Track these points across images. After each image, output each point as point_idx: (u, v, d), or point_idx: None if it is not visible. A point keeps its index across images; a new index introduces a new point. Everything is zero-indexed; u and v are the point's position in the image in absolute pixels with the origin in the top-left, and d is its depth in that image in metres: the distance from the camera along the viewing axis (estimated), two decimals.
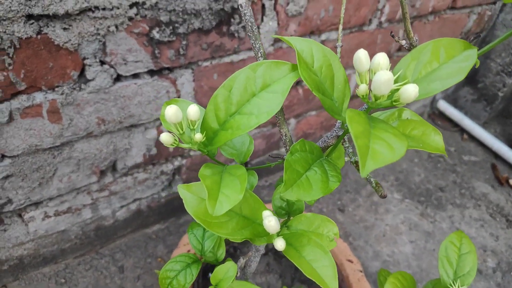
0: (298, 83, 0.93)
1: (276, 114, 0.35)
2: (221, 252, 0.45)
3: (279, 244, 0.29)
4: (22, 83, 0.56)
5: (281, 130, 0.36)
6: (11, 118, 0.58)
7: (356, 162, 0.35)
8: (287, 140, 0.36)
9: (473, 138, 1.44)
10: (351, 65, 0.99)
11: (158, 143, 0.79)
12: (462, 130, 1.47)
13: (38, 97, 0.59)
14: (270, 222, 0.28)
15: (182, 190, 0.30)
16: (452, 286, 0.47)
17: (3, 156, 0.62)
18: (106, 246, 0.91)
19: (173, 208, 0.96)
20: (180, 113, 0.29)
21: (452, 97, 1.51)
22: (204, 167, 0.30)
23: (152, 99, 0.71)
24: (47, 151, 0.65)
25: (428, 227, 1.10)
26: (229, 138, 0.28)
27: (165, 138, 0.30)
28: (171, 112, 0.28)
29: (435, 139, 0.27)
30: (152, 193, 0.89)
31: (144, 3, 0.58)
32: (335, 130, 0.36)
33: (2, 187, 0.65)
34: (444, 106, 1.50)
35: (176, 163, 0.86)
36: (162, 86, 0.70)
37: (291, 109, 0.97)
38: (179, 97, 0.74)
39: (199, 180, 0.88)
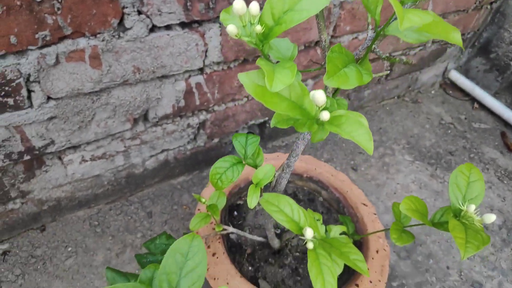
0: (316, 43, 0.97)
1: (317, 19, 0.40)
2: (260, 159, 0.51)
3: (325, 115, 0.34)
4: (68, 28, 0.61)
5: (321, 36, 0.41)
6: (57, 61, 0.63)
7: (388, 57, 0.40)
8: (326, 45, 0.41)
9: (483, 107, 1.47)
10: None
11: (186, 96, 0.84)
12: (473, 100, 1.50)
13: (82, 42, 0.64)
14: (319, 94, 0.32)
15: (242, 76, 0.34)
16: (461, 207, 0.52)
17: (49, 98, 0.68)
18: (135, 194, 0.97)
19: (197, 161, 1.02)
20: (245, 7, 0.33)
21: (464, 67, 1.54)
22: (259, 59, 0.34)
23: (183, 51, 0.75)
24: (87, 95, 0.71)
25: (438, 187, 1.15)
26: (283, 29, 0.32)
27: (231, 29, 0.33)
28: (240, 4, 0.32)
29: (454, 36, 0.32)
30: (179, 145, 0.95)
31: None
32: (366, 43, 0.41)
33: (47, 128, 0.71)
34: (455, 76, 1.53)
35: (202, 117, 0.92)
36: (191, 39, 0.75)
37: (308, 68, 1.01)
38: (206, 50, 0.79)
39: (222, 136, 0.93)
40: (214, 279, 0.62)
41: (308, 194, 0.84)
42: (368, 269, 0.67)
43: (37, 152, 0.73)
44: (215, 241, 0.67)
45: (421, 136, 1.31)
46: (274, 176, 0.51)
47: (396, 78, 1.34)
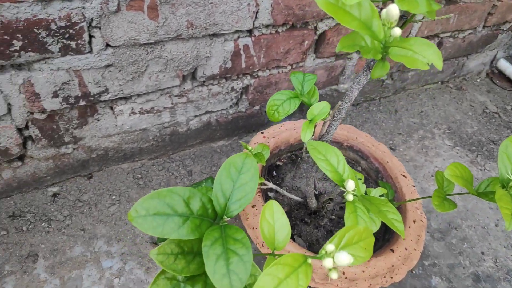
0: None
1: None
2: (315, 98, 0.52)
3: (397, 31, 0.35)
4: None
5: None
6: (118, 8, 0.67)
7: None
8: None
9: None
10: None
11: (234, 57, 0.86)
12: None
13: None
14: (394, 7, 0.33)
15: None
16: (510, 177, 0.51)
17: (107, 46, 0.71)
18: (177, 153, 1.01)
19: (237, 127, 1.04)
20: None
21: None
22: None
23: (235, 10, 0.77)
24: (142, 46, 0.74)
25: (477, 173, 1.12)
26: None
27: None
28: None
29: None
30: (222, 108, 0.97)
31: None
32: None
33: (103, 75, 0.75)
34: (504, 65, 1.47)
35: (246, 81, 0.94)
36: None
37: None
38: (257, 11, 0.80)
39: (263, 104, 0.94)
40: (253, 228, 0.64)
41: (348, 162, 0.84)
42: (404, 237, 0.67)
43: (92, 98, 0.78)
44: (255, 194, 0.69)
45: (463, 122, 1.28)
46: (327, 115, 0.52)
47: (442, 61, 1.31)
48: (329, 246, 0.32)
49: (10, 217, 0.84)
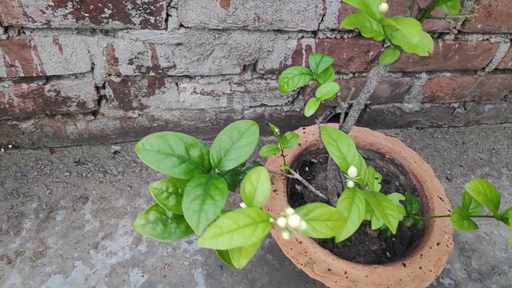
0: (440, 35, 0.93)
1: None
2: (330, 80, 0.54)
3: (383, 6, 0.36)
4: None
5: None
6: None
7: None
8: None
9: None
10: (502, 29, 0.94)
11: (295, 55, 0.90)
12: None
13: None
14: None
15: None
16: None
17: (181, 26, 0.80)
18: None
19: (289, 125, 1.07)
20: None
21: None
22: None
23: (302, 9, 0.81)
24: (211, 31, 0.81)
25: None
26: None
27: None
28: None
29: None
30: (277, 104, 1.01)
31: None
32: None
33: (173, 52, 0.84)
34: None
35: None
36: (313, 0, 0.80)
37: (425, 61, 0.98)
38: (324, 14, 0.83)
39: (318, 107, 0.95)
40: (269, 210, 0.67)
41: (385, 175, 0.83)
42: (422, 256, 0.65)
43: (161, 71, 0.87)
44: (279, 180, 0.71)
45: None
46: (341, 106, 0.53)
47: None
48: (289, 210, 0.34)
49: (76, 163, 0.97)
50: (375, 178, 0.55)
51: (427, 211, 0.73)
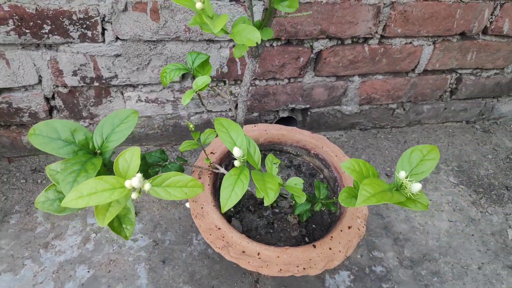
0: (365, 40, 1.02)
1: None
2: (207, 71, 0.62)
3: (198, 5, 0.43)
4: None
5: None
6: (125, 8, 0.82)
7: None
8: None
9: None
10: (422, 33, 1.03)
11: (229, 63, 0.97)
12: None
13: None
14: None
15: None
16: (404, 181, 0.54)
17: (117, 38, 0.87)
18: (179, 144, 1.14)
19: None
20: None
21: None
22: None
23: (228, 21, 0.89)
24: (146, 43, 0.89)
25: (476, 215, 1.08)
26: None
27: None
28: None
29: None
30: (221, 110, 1.08)
31: None
32: None
33: (113, 63, 0.91)
34: None
35: None
36: (237, 11, 0.88)
37: (355, 65, 1.06)
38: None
39: (262, 112, 1.01)
40: (194, 201, 0.73)
41: (311, 169, 0.89)
42: (332, 238, 0.71)
43: (104, 81, 0.94)
44: (206, 174, 0.78)
45: (478, 164, 1.23)
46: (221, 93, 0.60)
47: (463, 100, 1.28)
48: (138, 174, 0.40)
49: (32, 171, 1.04)
50: (274, 163, 0.62)
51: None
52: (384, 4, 0.94)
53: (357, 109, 1.19)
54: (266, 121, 1.16)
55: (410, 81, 1.15)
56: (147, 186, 0.40)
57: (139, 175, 0.39)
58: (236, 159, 0.54)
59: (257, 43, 0.45)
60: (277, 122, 1.18)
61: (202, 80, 0.58)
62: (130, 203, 0.47)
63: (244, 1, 0.87)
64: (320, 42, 0.99)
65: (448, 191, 1.13)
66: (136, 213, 0.96)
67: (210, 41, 0.92)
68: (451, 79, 1.20)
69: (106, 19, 0.83)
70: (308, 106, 1.14)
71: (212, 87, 0.62)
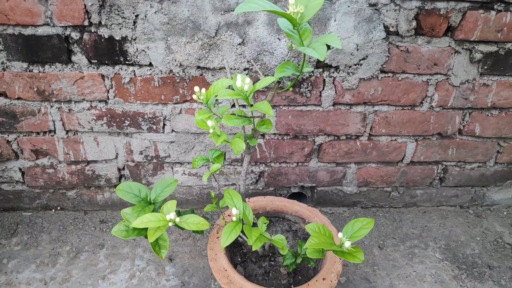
0: (357, 136, 1.31)
1: None
2: (220, 161, 0.93)
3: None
4: (188, 96, 1.18)
5: None
6: (180, 112, 1.20)
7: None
8: None
9: None
10: (403, 132, 1.31)
11: (239, 154, 1.30)
12: None
13: (194, 104, 1.20)
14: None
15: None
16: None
17: (173, 130, 1.25)
18: None
19: None
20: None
21: None
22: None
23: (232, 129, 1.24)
24: (192, 134, 1.26)
25: None
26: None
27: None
28: None
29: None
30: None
31: (251, 68, 1.14)
32: None
33: (168, 147, 1.28)
34: None
35: (261, 168, 1.36)
36: (238, 129, 1.23)
37: (350, 155, 1.35)
38: None
39: (276, 187, 1.33)
40: (211, 249, 1.02)
41: (306, 234, 1.15)
42: (309, 285, 0.95)
43: (160, 159, 1.31)
44: (222, 230, 1.07)
45: (465, 244, 1.40)
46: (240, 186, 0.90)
47: (453, 187, 1.49)
48: (173, 213, 0.71)
49: (100, 222, 1.39)
50: (264, 223, 0.91)
51: (323, 259, 1.04)
52: (369, 112, 1.25)
53: (356, 190, 1.45)
54: (280, 195, 1.45)
55: (400, 169, 1.41)
56: (177, 219, 0.71)
57: (174, 213, 0.71)
58: (234, 216, 0.84)
59: (250, 146, 0.77)
60: (290, 196, 1.47)
61: (215, 166, 0.90)
62: (166, 236, 0.77)
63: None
64: (320, 137, 1.30)
65: (433, 265, 1.31)
66: (171, 259, 1.26)
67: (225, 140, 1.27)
68: (438, 169, 1.44)
69: (166, 118, 1.22)
70: (314, 185, 1.42)
71: (221, 170, 0.94)
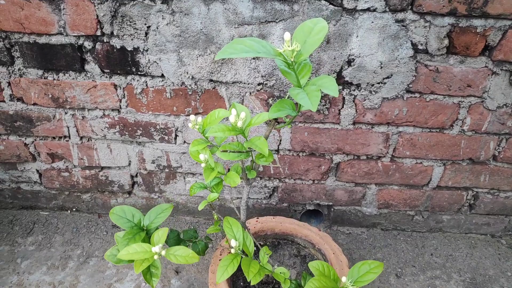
0: (378, 157, 1.23)
1: None
2: (219, 189, 0.88)
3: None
4: (201, 109, 1.15)
5: None
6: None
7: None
8: None
9: None
10: (430, 156, 1.21)
11: (265, 167, 1.26)
12: None
13: None
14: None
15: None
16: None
17: (184, 142, 1.22)
18: (221, 220, 1.42)
19: (268, 215, 1.39)
20: None
21: None
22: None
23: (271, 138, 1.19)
24: None
25: None
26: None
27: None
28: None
29: None
30: (257, 198, 1.35)
31: (265, 83, 1.08)
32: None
33: (180, 157, 1.25)
34: None
35: (275, 183, 1.31)
36: (272, 132, 1.17)
37: (371, 176, 1.27)
38: (281, 140, 1.19)
39: (290, 203, 1.29)
40: (212, 272, 0.99)
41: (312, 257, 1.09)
42: None
43: (172, 169, 1.28)
44: (225, 252, 1.03)
45: (494, 279, 1.29)
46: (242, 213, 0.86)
47: (484, 215, 1.37)
48: (160, 245, 0.68)
49: (113, 226, 1.39)
50: (266, 254, 0.86)
51: None
52: (392, 132, 1.16)
53: (376, 211, 1.37)
54: (295, 211, 1.39)
55: (426, 193, 1.31)
56: (163, 252, 0.68)
57: (161, 245, 0.67)
58: (233, 248, 0.79)
59: (247, 179, 0.72)
60: (304, 213, 1.41)
61: (213, 196, 0.86)
62: (158, 263, 0.74)
63: None
64: (338, 156, 1.23)
65: None
66: (177, 272, 1.24)
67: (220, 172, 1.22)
68: (468, 195, 1.32)
69: (178, 129, 1.19)
70: (331, 203, 1.35)
71: (218, 198, 0.90)
